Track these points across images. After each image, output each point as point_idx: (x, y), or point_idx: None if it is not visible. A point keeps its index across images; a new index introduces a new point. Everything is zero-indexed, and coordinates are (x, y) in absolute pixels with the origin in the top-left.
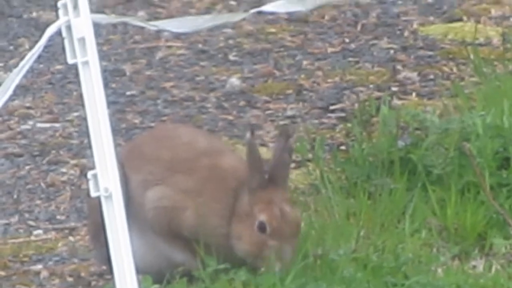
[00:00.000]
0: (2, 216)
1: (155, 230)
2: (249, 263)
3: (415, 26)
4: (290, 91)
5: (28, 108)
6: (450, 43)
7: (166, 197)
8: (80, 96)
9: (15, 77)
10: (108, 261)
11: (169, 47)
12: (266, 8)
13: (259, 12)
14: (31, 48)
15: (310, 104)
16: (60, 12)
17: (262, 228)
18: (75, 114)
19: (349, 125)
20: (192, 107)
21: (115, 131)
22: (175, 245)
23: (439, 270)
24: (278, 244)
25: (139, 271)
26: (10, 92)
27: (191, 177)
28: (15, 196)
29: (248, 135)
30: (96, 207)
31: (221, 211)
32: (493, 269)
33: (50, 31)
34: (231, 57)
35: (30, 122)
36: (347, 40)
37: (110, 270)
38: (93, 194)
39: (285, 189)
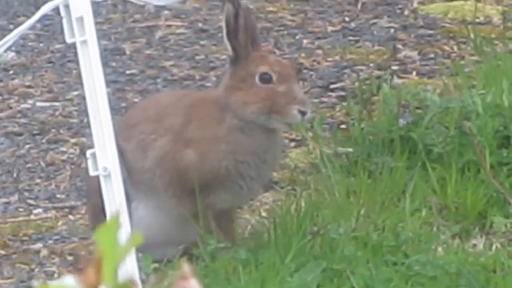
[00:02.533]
0: (1, 195)
1: (164, 189)
2: (266, 126)
3: (415, 4)
4: None
5: (28, 87)
6: (451, 22)
7: (166, 150)
8: (80, 75)
9: None
10: None
11: (169, 26)
12: None
13: None
14: (31, 27)
15: (310, 83)
16: None
17: (266, 78)
18: (75, 93)
19: (348, 103)
20: (192, 86)
21: (115, 110)
22: (184, 202)
23: (439, 248)
24: (288, 87)
25: (146, 241)
26: None
27: (179, 115)
28: (14, 175)
29: (228, 5)
30: (94, 188)
31: (215, 131)
32: (493, 248)
33: (44, 9)
34: None
35: (30, 101)
36: (347, 19)
37: None
38: (92, 173)
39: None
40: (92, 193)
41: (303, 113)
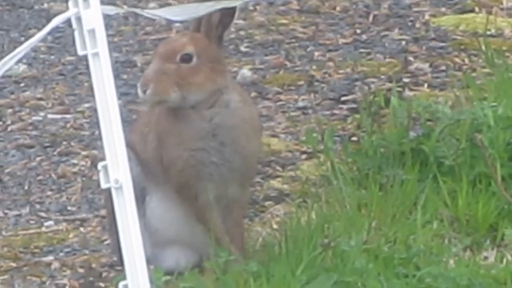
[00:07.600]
0: (13, 208)
1: (164, 182)
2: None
3: (426, 17)
4: (301, 82)
5: (39, 99)
6: (462, 34)
7: (153, 145)
8: (91, 87)
9: (8, 62)
10: (119, 250)
11: None
12: None
13: None
14: (42, 39)
15: (322, 95)
16: (70, 3)
17: None
18: (86, 105)
19: (359, 116)
20: None
21: (126, 122)
22: (182, 196)
23: (451, 261)
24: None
25: (159, 231)
26: None
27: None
28: (26, 188)
29: None
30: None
31: (166, 123)
32: (505, 260)
33: (55, 22)
34: (242, 48)
35: (41, 113)
36: (358, 31)
37: (121, 261)
38: (103, 185)
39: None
40: (108, 201)
41: (143, 91)
